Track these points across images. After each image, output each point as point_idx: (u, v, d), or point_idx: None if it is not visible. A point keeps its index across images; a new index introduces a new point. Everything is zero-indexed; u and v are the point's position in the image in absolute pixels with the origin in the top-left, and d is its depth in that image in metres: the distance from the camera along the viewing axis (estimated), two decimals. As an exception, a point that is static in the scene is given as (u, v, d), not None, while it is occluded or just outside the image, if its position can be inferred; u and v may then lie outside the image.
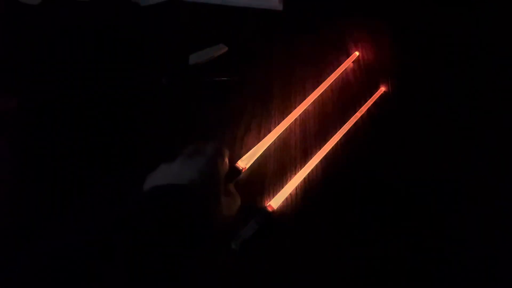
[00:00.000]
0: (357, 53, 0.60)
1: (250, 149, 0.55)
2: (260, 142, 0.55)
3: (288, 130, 0.57)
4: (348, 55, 0.61)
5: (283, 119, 0.57)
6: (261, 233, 0.52)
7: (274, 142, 0.56)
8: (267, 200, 0.54)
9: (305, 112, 0.57)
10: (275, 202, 0.53)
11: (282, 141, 0.56)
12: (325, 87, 0.59)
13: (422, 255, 0.53)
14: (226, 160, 0.41)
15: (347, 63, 0.60)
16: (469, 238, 0.54)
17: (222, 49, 0.58)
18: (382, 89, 0.59)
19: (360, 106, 0.58)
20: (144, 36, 0.59)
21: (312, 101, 0.58)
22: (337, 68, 0.60)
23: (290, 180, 0.54)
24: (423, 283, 0.52)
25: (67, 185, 0.52)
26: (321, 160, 0.55)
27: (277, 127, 0.56)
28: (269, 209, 0.53)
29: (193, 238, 0.32)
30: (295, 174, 0.55)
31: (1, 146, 0.53)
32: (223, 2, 0.61)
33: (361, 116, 0.58)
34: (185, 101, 0.57)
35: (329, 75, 0.60)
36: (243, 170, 0.53)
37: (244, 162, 0.53)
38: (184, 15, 0.61)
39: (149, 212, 0.31)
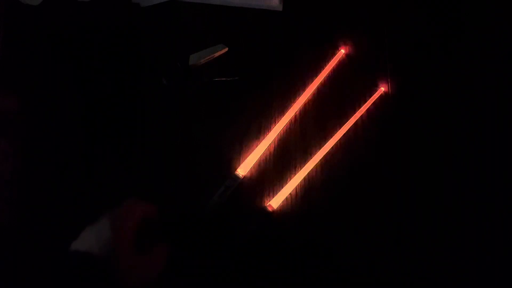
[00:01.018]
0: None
1: (250, 149, 0.56)
2: (258, 146, 0.55)
3: (288, 130, 0.57)
4: (348, 55, 0.61)
5: (283, 119, 0.57)
6: (260, 232, 0.53)
7: (274, 142, 0.56)
8: (267, 200, 0.54)
9: (305, 112, 0.57)
10: (275, 202, 0.53)
11: (282, 141, 0.56)
12: (325, 88, 0.59)
13: (422, 255, 0.53)
14: (139, 216, 0.39)
15: (347, 64, 0.60)
16: (469, 236, 0.54)
17: (222, 49, 0.58)
18: (382, 89, 0.59)
19: (360, 106, 0.58)
20: (144, 36, 0.59)
21: (312, 101, 0.58)
22: (337, 68, 0.60)
23: (290, 180, 0.54)
24: (423, 283, 0.52)
25: (69, 187, 0.53)
26: (321, 160, 0.55)
27: (276, 128, 0.56)
28: (269, 209, 0.53)
29: None
30: (295, 174, 0.55)
31: (3, 146, 0.53)
32: (223, 2, 0.61)
33: (361, 116, 0.58)
34: (185, 102, 0.57)
35: (329, 76, 0.60)
36: (243, 177, 0.53)
37: (243, 170, 0.54)
38: (184, 15, 0.61)
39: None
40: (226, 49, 0.59)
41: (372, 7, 0.64)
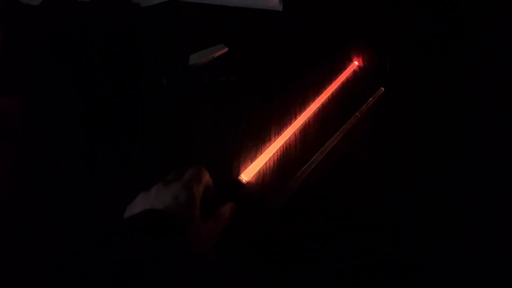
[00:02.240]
0: (355, 63, 0.61)
1: (250, 149, 0.56)
2: (264, 153, 0.55)
3: (288, 130, 0.57)
4: (348, 55, 0.61)
5: (283, 120, 0.57)
6: (260, 233, 0.53)
7: (274, 142, 0.56)
8: (267, 200, 0.54)
9: (305, 112, 0.57)
10: (274, 202, 0.53)
11: (282, 141, 0.56)
12: (325, 88, 0.59)
13: (422, 254, 0.53)
14: (205, 181, 0.41)
15: (348, 64, 0.60)
16: (469, 236, 0.54)
17: (222, 49, 0.58)
18: (382, 89, 0.60)
19: (360, 106, 0.58)
20: (144, 36, 0.59)
21: (312, 101, 0.58)
22: (338, 68, 0.60)
23: (290, 180, 0.54)
24: (423, 283, 0.52)
25: (69, 187, 0.53)
26: (320, 159, 0.55)
27: (277, 128, 0.56)
28: (270, 209, 0.53)
29: (171, 262, 0.33)
30: (295, 174, 0.55)
31: (3, 146, 0.53)
32: (223, 2, 0.61)
33: (361, 116, 0.58)
34: (185, 102, 0.57)
35: (329, 75, 0.60)
36: (246, 183, 0.53)
37: (247, 175, 0.54)
38: (184, 15, 0.61)
39: (126, 239, 0.33)
40: (226, 49, 0.59)
41: (372, 7, 0.64)
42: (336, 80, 0.60)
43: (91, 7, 0.59)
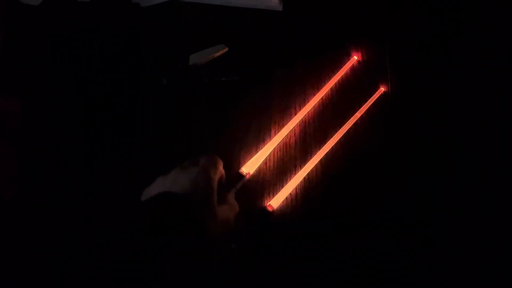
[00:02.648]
0: (355, 58, 0.61)
1: (250, 149, 0.56)
2: (265, 147, 0.55)
3: (288, 130, 0.57)
4: (348, 55, 0.61)
5: (283, 120, 0.57)
6: (260, 233, 0.53)
7: (273, 142, 0.56)
8: (267, 200, 0.54)
9: (306, 112, 0.57)
10: (275, 202, 0.53)
11: (282, 140, 0.56)
12: (325, 88, 0.59)
13: (422, 254, 0.53)
14: (221, 169, 0.42)
15: (347, 64, 0.60)
16: (469, 236, 0.54)
17: (222, 49, 0.58)
18: (382, 89, 0.60)
19: (360, 106, 0.58)
20: (144, 36, 0.59)
21: (312, 101, 0.58)
22: (337, 68, 0.60)
23: (290, 180, 0.54)
24: (423, 283, 0.52)
25: (69, 187, 0.53)
26: (321, 160, 0.55)
27: (277, 127, 0.56)
28: (269, 209, 0.53)
29: (188, 245, 0.33)
30: (295, 174, 0.55)
31: (3, 146, 0.53)
32: (223, 2, 0.61)
33: (361, 116, 0.58)
34: (185, 102, 0.57)
35: (329, 76, 0.60)
36: (247, 176, 0.53)
37: (248, 168, 0.54)
38: (184, 15, 0.61)
39: (144, 221, 0.33)
40: (226, 49, 0.59)
41: (372, 7, 0.64)
42: (336, 80, 0.59)
43: (91, 7, 0.59)
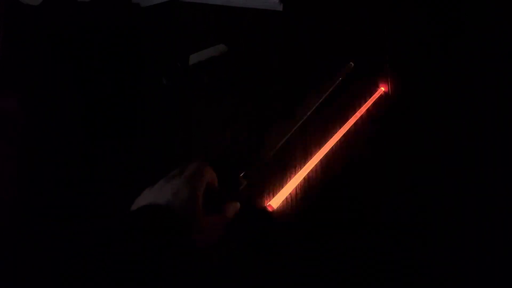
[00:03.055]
0: (353, 63, 0.61)
1: (249, 150, 0.56)
2: (263, 152, 0.55)
3: (288, 130, 0.57)
4: (348, 55, 0.61)
5: (283, 119, 0.57)
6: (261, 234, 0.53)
7: (273, 142, 0.56)
8: (267, 200, 0.54)
9: (305, 112, 0.57)
10: (275, 202, 0.53)
11: (282, 140, 0.56)
12: (326, 88, 0.59)
13: (422, 254, 0.53)
14: (208, 176, 0.42)
15: (348, 64, 0.60)
16: (469, 236, 0.54)
17: (222, 49, 0.58)
18: (382, 89, 0.60)
19: (360, 106, 0.58)
20: (144, 36, 0.59)
21: (312, 101, 0.58)
22: (338, 68, 0.60)
23: (290, 180, 0.54)
24: (423, 283, 0.52)
25: (69, 187, 0.53)
26: (321, 160, 0.55)
27: (276, 127, 0.56)
28: (269, 209, 0.53)
29: (172, 258, 0.33)
30: (295, 174, 0.55)
31: (3, 146, 0.53)
32: (223, 2, 0.61)
33: (361, 116, 0.58)
34: (185, 102, 0.57)
35: (329, 75, 0.60)
36: (247, 183, 0.53)
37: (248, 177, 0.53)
38: (184, 15, 0.61)
39: (127, 233, 0.34)
40: (226, 49, 0.59)
41: (372, 7, 0.64)
42: (336, 80, 0.59)
43: (91, 7, 0.59)
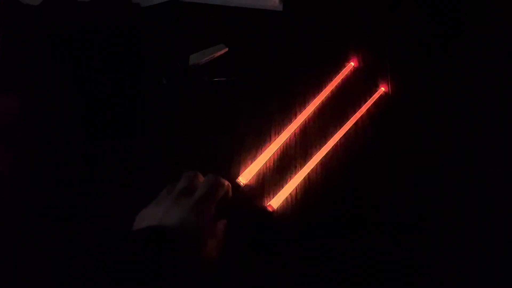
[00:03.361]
0: (354, 61, 0.61)
1: (250, 149, 0.56)
2: (262, 154, 0.55)
3: (288, 130, 0.57)
4: (348, 55, 0.61)
5: (283, 120, 0.57)
6: (260, 232, 0.53)
7: (274, 141, 0.56)
8: (267, 200, 0.54)
9: (305, 112, 0.57)
10: (275, 202, 0.53)
11: (282, 141, 0.56)
12: (326, 89, 0.59)
13: (422, 254, 0.53)
14: (222, 193, 0.40)
15: (348, 65, 0.60)
16: (469, 236, 0.54)
17: (222, 49, 0.58)
18: (382, 89, 0.59)
19: (360, 106, 0.58)
20: (144, 36, 0.59)
21: (312, 101, 0.58)
22: (338, 69, 0.60)
23: (290, 180, 0.54)
24: (423, 283, 0.52)
25: (69, 187, 0.53)
26: (321, 160, 0.55)
27: (278, 128, 0.56)
28: (270, 209, 0.53)
29: (173, 282, 0.32)
30: (295, 174, 0.55)
31: (3, 146, 0.53)
32: (223, 2, 0.61)
33: (361, 116, 0.58)
34: (185, 102, 0.57)
35: (329, 76, 0.60)
36: (244, 186, 0.53)
37: (245, 178, 0.53)
38: (184, 15, 0.61)
39: (132, 251, 0.33)
40: (226, 49, 0.59)
41: (372, 7, 0.64)
42: (336, 80, 0.59)
43: (91, 7, 0.59)
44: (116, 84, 0.57)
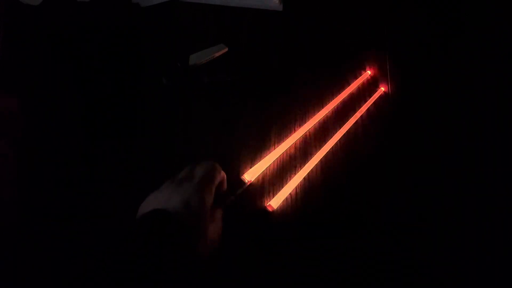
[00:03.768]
0: (369, 72, 0.60)
1: (250, 149, 0.56)
2: (268, 156, 0.55)
3: (288, 130, 0.57)
4: (348, 55, 0.61)
5: (283, 120, 0.57)
6: (260, 232, 0.53)
7: (274, 141, 0.56)
8: (267, 200, 0.54)
9: (305, 112, 0.57)
10: (275, 202, 0.53)
11: (283, 141, 0.56)
12: (325, 87, 0.59)
13: (422, 254, 0.53)
14: (218, 177, 0.41)
15: (348, 64, 0.60)
16: (469, 236, 0.54)
17: (222, 49, 0.58)
18: (382, 89, 0.60)
19: (360, 106, 0.58)
20: (144, 36, 0.59)
21: (312, 101, 0.58)
22: (338, 69, 0.60)
23: (290, 180, 0.54)
24: (423, 283, 0.52)
25: (69, 187, 0.53)
26: (321, 160, 0.55)
27: (278, 128, 0.56)
28: (269, 209, 0.53)
29: (174, 265, 0.33)
30: (295, 174, 0.55)
31: (3, 146, 0.53)
32: (223, 2, 0.61)
33: (361, 116, 0.58)
34: (185, 102, 0.57)
35: (329, 75, 0.60)
36: (248, 183, 0.53)
37: (250, 175, 0.53)
38: (184, 15, 0.61)
39: (135, 240, 0.33)
40: (226, 49, 0.59)
41: (372, 8, 0.64)
42: (336, 79, 0.59)
43: (91, 7, 0.59)
44: (116, 84, 0.57)
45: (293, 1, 0.62)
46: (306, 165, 0.55)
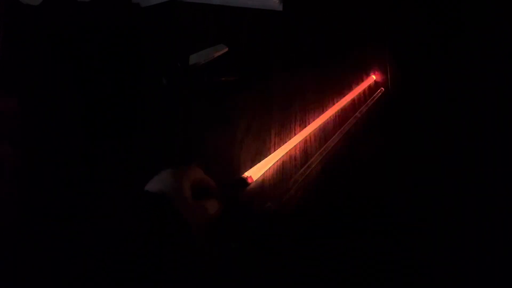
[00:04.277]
0: (374, 76, 0.60)
1: (249, 150, 0.56)
2: (271, 155, 0.55)
3: (288, 130, 0.57)
4: (348, 55, 0.61)
5: (283, 120, 0.57)
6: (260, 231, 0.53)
7: (274, 142, 0.56)
8: (267, 200, 0.53)
9: (305, 112, 0.57)
10: (275, 202, 0.53)
11: (283, 141, 0.56)
12: (326, 87, 0.59)
13: (422, 254, 0.53)
14: (196, 174, 0.46)
15: (347, 64, 0.60)
16: (469, 236, 0.54)
17: (222, 49, 0.58)
18: (382, 89, 0.60)
19: (360, 106, 0.58)
20: (144, 36, 0.59)
21: (312, 101, 0.58)
22: (338, 69, 0.60)
23: (290, 180, 0.54)
24: (423, 283, 0.52)
25: (69, 187, 0.53)
26: (321, 160, 0.55)
27: (278, 128, 0.56)
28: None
29: (169, 233, 0.38)
30: (295, 173, 0.55)
31: (3, 146, 0.53)
32: (223, 2, 0.61)
33: (361, 116, 0.58)
34: (185, 102, 0.57)
35: (329, 75, 0.60)
36: (251, 182, 0.53)
37: (252, 174, 0.53)
38: (184, 15, 0.61)
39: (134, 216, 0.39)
40: (226, 49, 0.59)
41: (373, 7, 0.64)
42: (336, 79, 0.59)
43: (91, 7, 0.59)
44: (116, 84, 0.57)
45: (293, 1, 0.62)
46: (306, 164, 0.55)
